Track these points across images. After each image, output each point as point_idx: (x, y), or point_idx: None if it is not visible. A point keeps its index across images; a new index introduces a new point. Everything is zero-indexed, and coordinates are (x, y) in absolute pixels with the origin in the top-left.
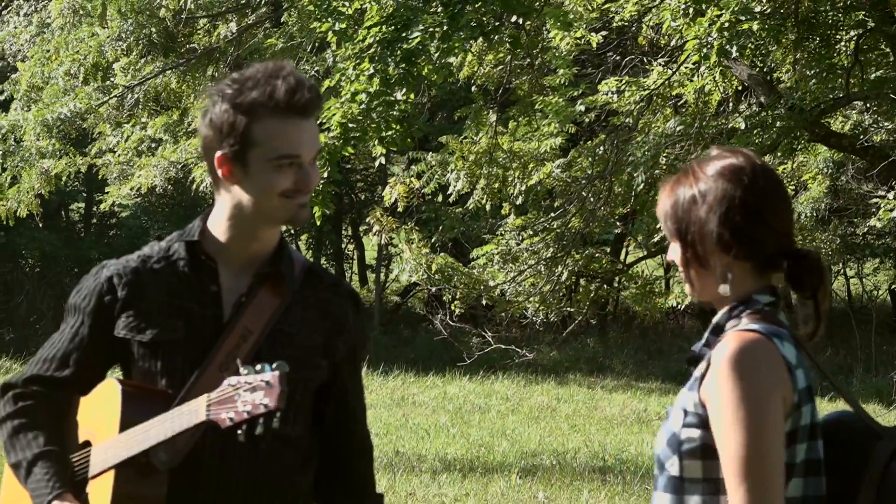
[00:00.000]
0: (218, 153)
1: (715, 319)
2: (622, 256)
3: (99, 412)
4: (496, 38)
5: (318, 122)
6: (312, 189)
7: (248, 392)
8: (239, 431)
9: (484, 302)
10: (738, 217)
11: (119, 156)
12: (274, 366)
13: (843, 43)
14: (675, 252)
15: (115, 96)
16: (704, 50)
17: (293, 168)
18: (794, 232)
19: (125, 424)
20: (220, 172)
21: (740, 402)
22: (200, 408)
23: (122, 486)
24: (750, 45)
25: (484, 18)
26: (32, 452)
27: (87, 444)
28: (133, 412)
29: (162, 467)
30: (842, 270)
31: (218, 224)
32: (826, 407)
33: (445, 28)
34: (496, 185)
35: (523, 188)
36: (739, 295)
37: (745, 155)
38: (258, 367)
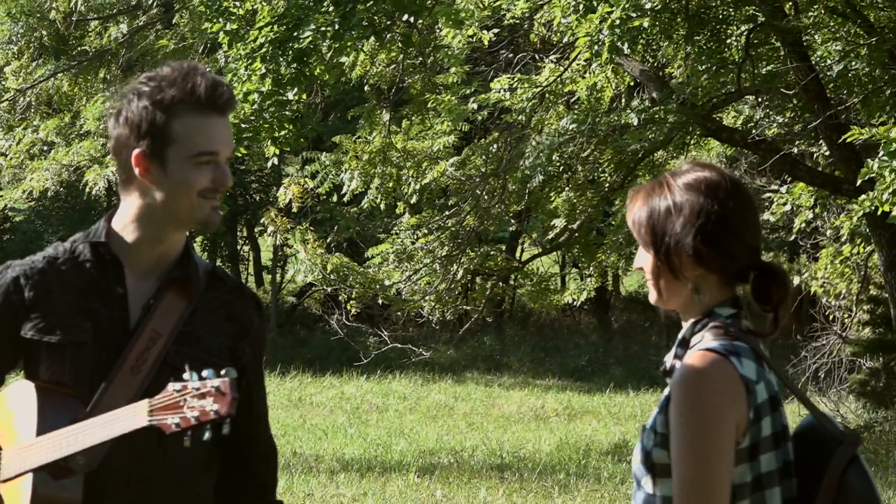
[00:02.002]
0: (135, 151)
1: (681, 333)
2: (517, 254)
3: (7, 415)
4: (388, 36)
5: None
6: (226, 190)
7: (196, 398)
8: (185, 437)
9: (380, 301)
10: (713, 231)
11: (11, 159)
12: (223, 372)
13: (734, 38)
14: (644, 260)
15: (7, 100)
16: (596, 47)
17: (210, 166)
18: None
19: (43, 428)
20: (136, 171)
21: (690, 427)
22: (141, 412)
23: (41, 489)
24: (641, 41)
25: (375, 17)
26: None
27: None
28: (50, 416)
29: (80, 470)
30: None
31: (125, 225)
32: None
33: (337, 27)
34: (390, 184)
35: (417, 187)
36: (706, 307)
37: (717, 170)
38: (204, 373)
